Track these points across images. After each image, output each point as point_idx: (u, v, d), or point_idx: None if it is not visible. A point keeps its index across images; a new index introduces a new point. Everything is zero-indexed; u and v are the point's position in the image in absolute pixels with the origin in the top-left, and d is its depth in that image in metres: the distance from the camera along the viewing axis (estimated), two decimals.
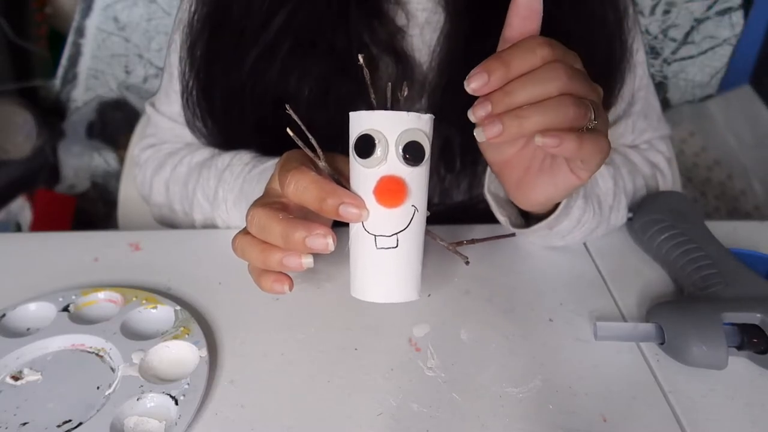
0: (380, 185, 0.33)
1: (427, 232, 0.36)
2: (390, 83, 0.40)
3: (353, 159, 0.34)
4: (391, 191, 0.33)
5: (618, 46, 0.54)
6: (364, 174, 0.34)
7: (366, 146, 0.33)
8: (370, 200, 0.33)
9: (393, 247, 0.34)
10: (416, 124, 0.33)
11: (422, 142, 0.33)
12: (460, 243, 0.39)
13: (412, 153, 0.33)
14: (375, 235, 0.34)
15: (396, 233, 0.33)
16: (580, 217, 0.48)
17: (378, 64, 0.52)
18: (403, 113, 0.33)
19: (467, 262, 0.39)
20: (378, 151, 0.33)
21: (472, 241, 0.41)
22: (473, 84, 0.32)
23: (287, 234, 0.34)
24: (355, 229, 0.35)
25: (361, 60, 0.35)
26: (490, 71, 0.32)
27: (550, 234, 0.49)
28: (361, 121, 0.33)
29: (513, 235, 0.41)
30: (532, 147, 0.40)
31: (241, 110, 0.54)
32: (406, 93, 0.35)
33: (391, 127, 0.33)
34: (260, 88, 0.52)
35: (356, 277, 0.35)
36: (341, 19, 0.50)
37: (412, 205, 0.34)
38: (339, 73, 0.51)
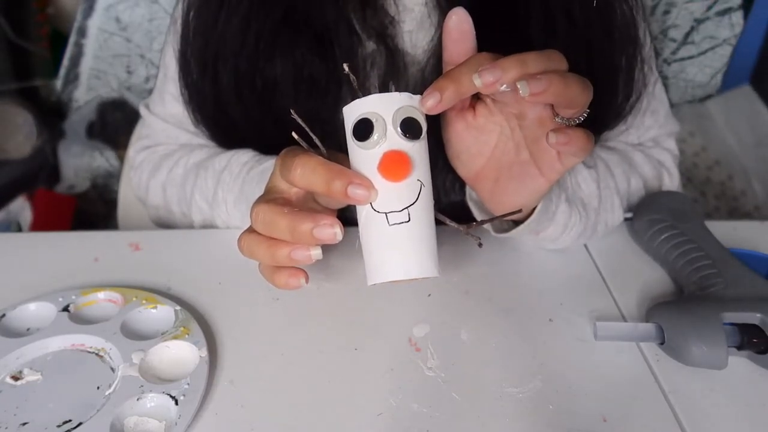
0: (384, 160, 0.33)
1: (438, 217, 0.36)
2: (376, 82, 0.40)
3: (353, 146, 0.34)
4: (395, 163, 0.33)
5: (630, 49, 0.54)
6: (366, 156, 0.34)
7: (364, 129, 0.33)
8: (376, 179, 0.34)
9: (405, 222, 0.33)
10: (409, 102, 0.34)
11: (417, 118, 0.34)
12: (470, 225, 0.39)
13: (409, 128, 0.33)
14: (386, 213, 0.33)
15: (406, 207, 0.33)
16: (566, 222, 0.48)
17: (372, 58, 0.51)
18: (395, 93, 0.34)
19: (480, 244, 0.39)
20: (377, 132, 0.33)
21: (482, 222, 0.41)
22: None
23: (294, 227, 0.34)
24: (364, 213, 0.34)
25: (346, 69, 0.36)
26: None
27: (537, 239, 0.49)
28: (355, 109, 0.34)
29: (519, 211, 0.42)
30: (498, 157, 0.41)
31: (234, 97, 0.54)
32: (393, 90, 0.36)
33: (385, 108, 0.33)
34: (245, 72, 0.52)
35: (371, 262, 0.35)
36: (329, 1, 0.50)
37: (418, 180, 0.34)
38: (323, 58, 0.51)
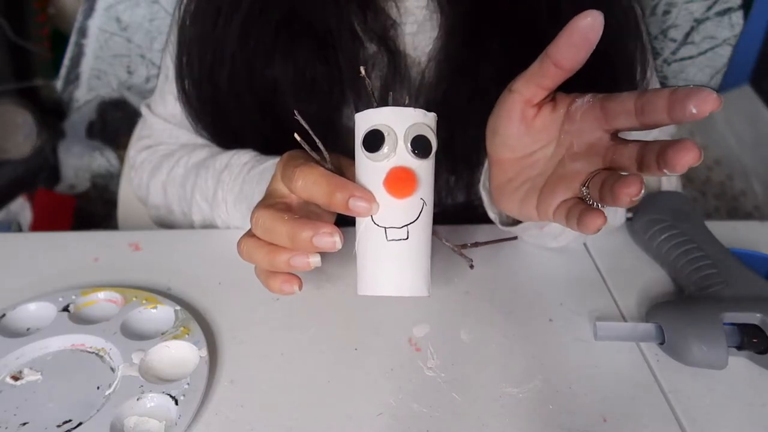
0: (390, 176, 0.33)
1: (433, 232, 0.36)
2: (390, 92, 0.40)
3: (361, 155, 0.34)
4: (401, 180, 0.33)
5: (639, 50, 0.54)
6: (372, 168, 0.34)
7: (375, 140, 0.33)
8: (380, 193, 0.34)
9: (404, 239, 0.34)
10: (422, 119, 0.34)
11: (429, 137, 0.34)
12: (464, 246, 0.39)
13: (419, 146, 0.33)
14: (385, 228, 0.34)
15: (406, 225, 0.34)
16: None
17: (373, 61, 0.51)
18: (410, 109, 0.34)
19: (471, 266, 0.39)
20: (387, 145, 0.33)
21: (476, 245, 0.41)
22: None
23: (294, 234, 0.34)
24: (364, 224, 0.35)
25: (362, 72, 0.36)
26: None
27: (541, 234, 0.49)
28: (368, 118, 0.34)
29: (515, 238, 0.42)
30: (524, 166, 0.40)
31: (233, 99, 0.54)
32: (407, 101, 0.36)
33: (399, 122, 0.33)
34: (245, 74, 0.52)
35: (365, 273, 0.35)
36: (330, 4, 0.50)
37: (421, 198, 0.34)
38: (325, 62, 0.50)
